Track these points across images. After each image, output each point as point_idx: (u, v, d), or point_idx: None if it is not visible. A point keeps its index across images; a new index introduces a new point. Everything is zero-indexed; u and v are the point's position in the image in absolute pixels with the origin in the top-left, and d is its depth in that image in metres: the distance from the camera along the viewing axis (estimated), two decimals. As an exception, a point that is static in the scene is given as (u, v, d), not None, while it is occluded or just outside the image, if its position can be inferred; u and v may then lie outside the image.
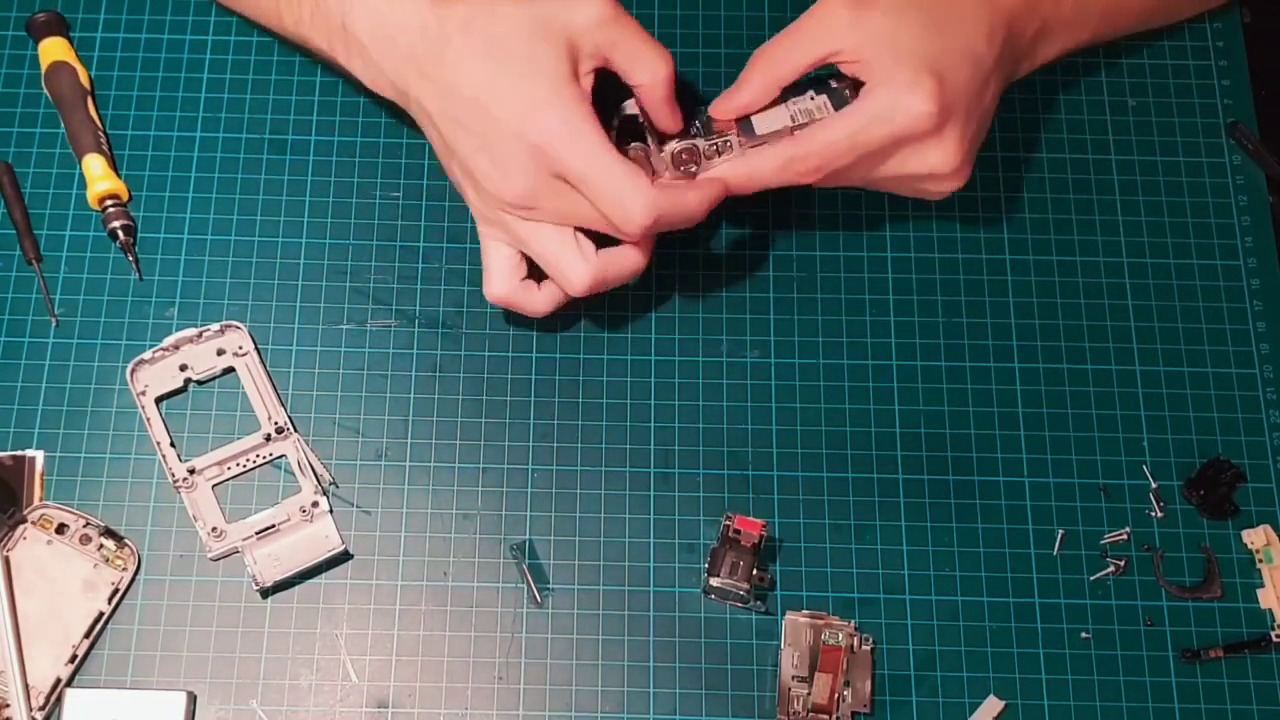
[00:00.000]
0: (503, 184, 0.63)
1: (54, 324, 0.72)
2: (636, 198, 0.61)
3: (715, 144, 0.66)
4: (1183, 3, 0.78)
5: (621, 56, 0.64)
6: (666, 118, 0.66)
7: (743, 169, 0.66)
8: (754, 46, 0.78)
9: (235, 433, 0.70)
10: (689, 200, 0.64)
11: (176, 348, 0.71)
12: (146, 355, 0.71)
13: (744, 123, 0.67)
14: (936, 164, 0.65)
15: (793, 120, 0.66)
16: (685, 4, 0.79)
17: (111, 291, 0.73)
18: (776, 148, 0.65)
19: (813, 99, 0.67)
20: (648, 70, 0.64)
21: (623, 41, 0.63)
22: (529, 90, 0.61)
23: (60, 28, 0.77)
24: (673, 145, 0.67)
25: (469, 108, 0.62)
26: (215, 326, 0.71)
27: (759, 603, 0.67)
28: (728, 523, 0.67)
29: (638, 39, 0.64)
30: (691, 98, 0.71)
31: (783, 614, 0.67)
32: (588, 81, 0.64)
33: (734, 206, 0.72)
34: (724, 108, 0.67)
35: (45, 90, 0.75)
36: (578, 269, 0.64)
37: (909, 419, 0.71)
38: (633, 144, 0.66)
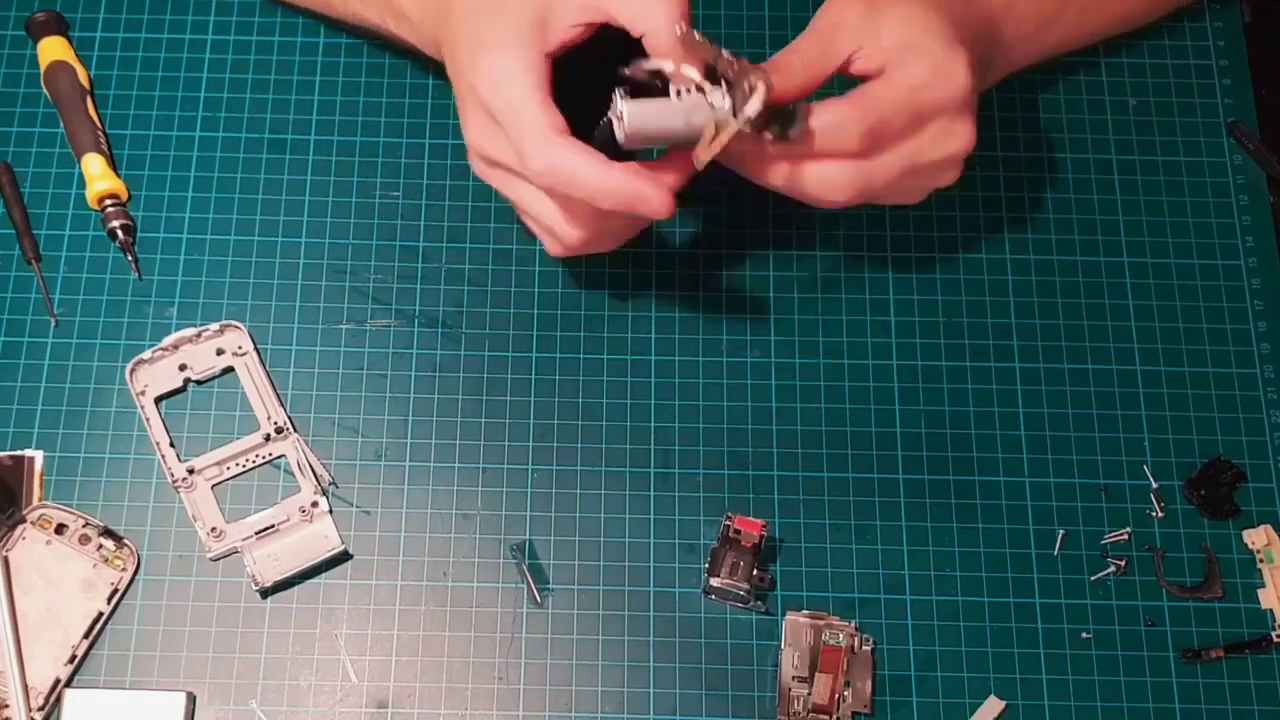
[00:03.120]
0: (467, 130, 0.63)
1: (53, 324, 0.72)
2: (534, 144, 0.58)
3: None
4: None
5: (619, 6, 0.60)
6: (685, 58, 0.59)
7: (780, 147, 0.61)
8: (755, 47, 0.79)
9: (235, 433, 0.70)
10: (593, 174, 0.58)
11: (176, 347, 0.71)
12: (146, 355, 0.70)
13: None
14: (962, 143, 0.63)
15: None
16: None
17: (111, 291, 0.73)
18: (831, 108, 0.60)
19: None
20: (648, 17, 0.59)
21: None
22: (485, 32, 0.60)
23: (60, 27, 0.77)
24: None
25: (457, 49, 0.62)
26: (215, 326, 0.71)
27: (759, 603, 0.67)
28: (728, 523, 0.66)
29: None
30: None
31: (783, 614, 0.67)
32: (571, 32, 0.60)
33: (735, 201, 0.72)
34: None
35: (44, 90, 0.75)
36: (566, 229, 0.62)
37: (909, 419, 0.71)
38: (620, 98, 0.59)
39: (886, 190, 0.64)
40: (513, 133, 0.59)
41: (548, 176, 0.59)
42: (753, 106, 0.57)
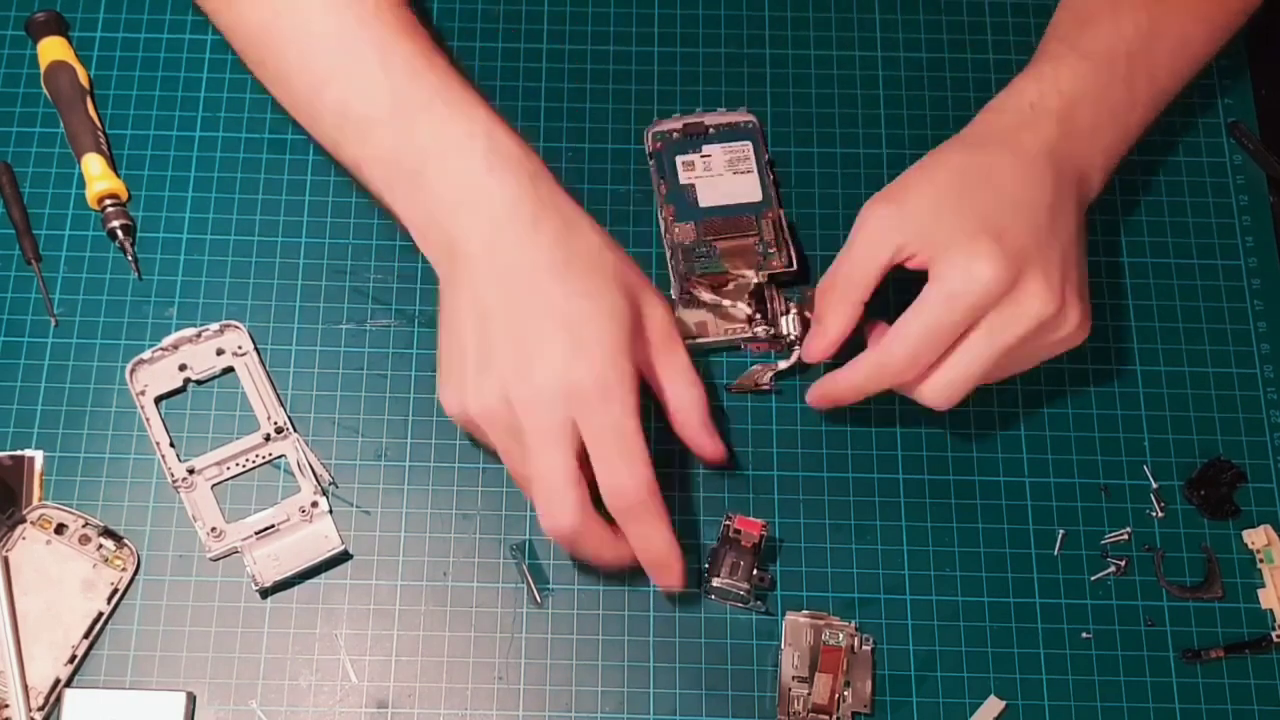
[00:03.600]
0: (515, 372, 0.59)
1: (53, 324, 0.72)
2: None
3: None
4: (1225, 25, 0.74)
5: (667, 377, 0.63)
6: (703, 445, 0.65)
7: (827, 389, 0.67)
8: (754, 47, 0.78)
9: (235, 433, 0.70)
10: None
11: (176, 347, 0.71)
12: (146, 355, 0.70)
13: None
14: (1038, 313, 0.62)
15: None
16: (685, 4, 0.80)
17: (111, 291, 0.73)
18: (861, 361, 0.65)
19: (727, 152, 0.73)
20: (685, 399, 0.63)
21: (673, 362, 0.63)
22: (596, 320, 0.59)
23: (59, 27, 0.77)
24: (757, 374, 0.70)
25: (521, 290, 0.59)
26: (215, 326, 0.71)
27: (759, 603, 0.67)
28: (728, 523, 0.66)
29: (684, 365, 0.63)
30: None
31: (783, 614, 0.67)
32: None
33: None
34: (817, 349, 0.67)
35: (44, 90, 0.75)
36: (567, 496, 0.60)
37: (909, 419, 0.71)
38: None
39: (994, 377, 0.66)
40: (614, 454, 0.59)
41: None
42: (783, 364, 0.70)
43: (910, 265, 0.64)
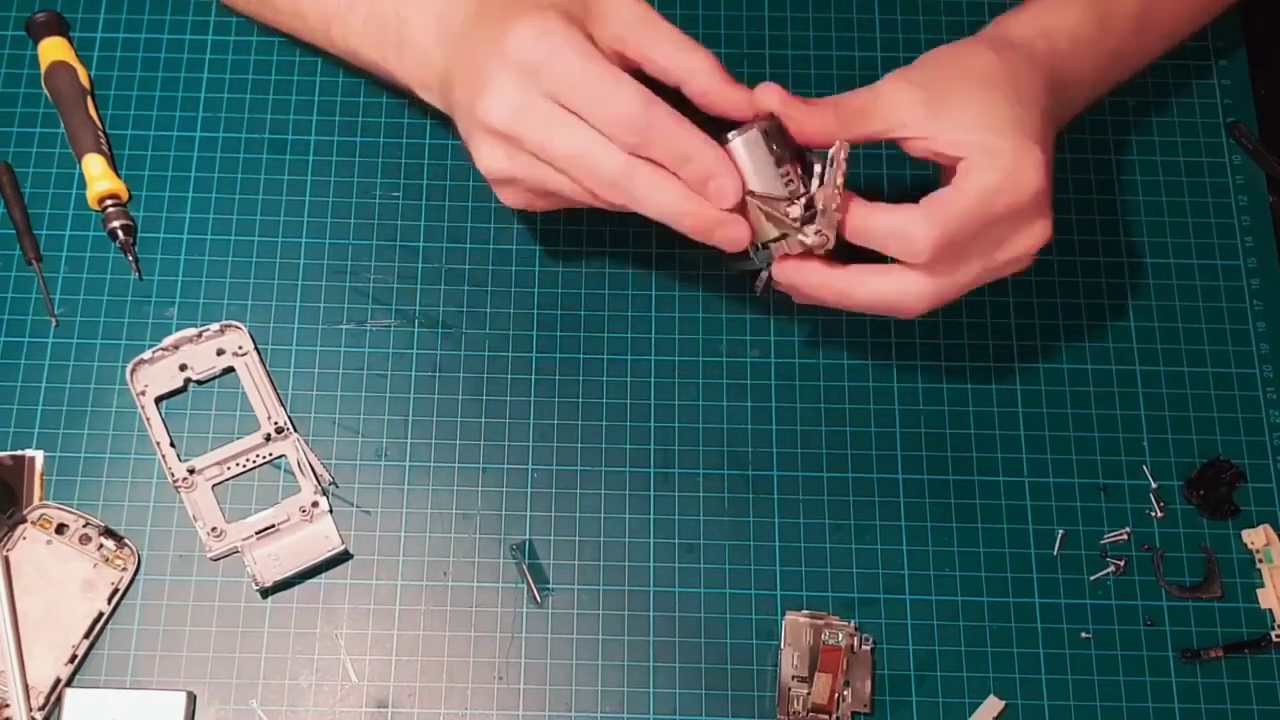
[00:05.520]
0: (486, 106, 0.58)
1: (54, 324, 0.72)
2: (631, 92, 0.56)
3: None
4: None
5: (656, 52, 0.60)
6: (733, 102, 0.60)
7: (859, 221, 0.60)
8: (753, 47, 0.78)
9: (235, 433, 0.70)
10: (683, 130, 0.57)
11: (176, 347, 0.71)
12: (146, 355, 0.71)
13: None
14: (1036, 241, 0.62)
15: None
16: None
17: (111, 291, 0.73)
18: (898, 214, 0.59)
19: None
20: (686, 65, 0.60)
21: (656, 39, 0.60)
22: (525, 19, 0.58)
23: (60, 28, 0.77)
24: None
25: (467, 20, 0.61)
26: (215, 326, 0.71)
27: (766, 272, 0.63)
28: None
29: (673, 36, 0.60)
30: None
31: (783, 614, 0.67)
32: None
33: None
34: (789, 114, 0.61)
35: (45, 90, 0.75)
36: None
37: (909, 419, 0.71)
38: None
39: (961, 294, 0.62)
40: (592, 81, 0.57)
41: (642, 120, 0.57)
42: (811, 238, 0.59)
43: (920, 151, 0.61)
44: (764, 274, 0.63)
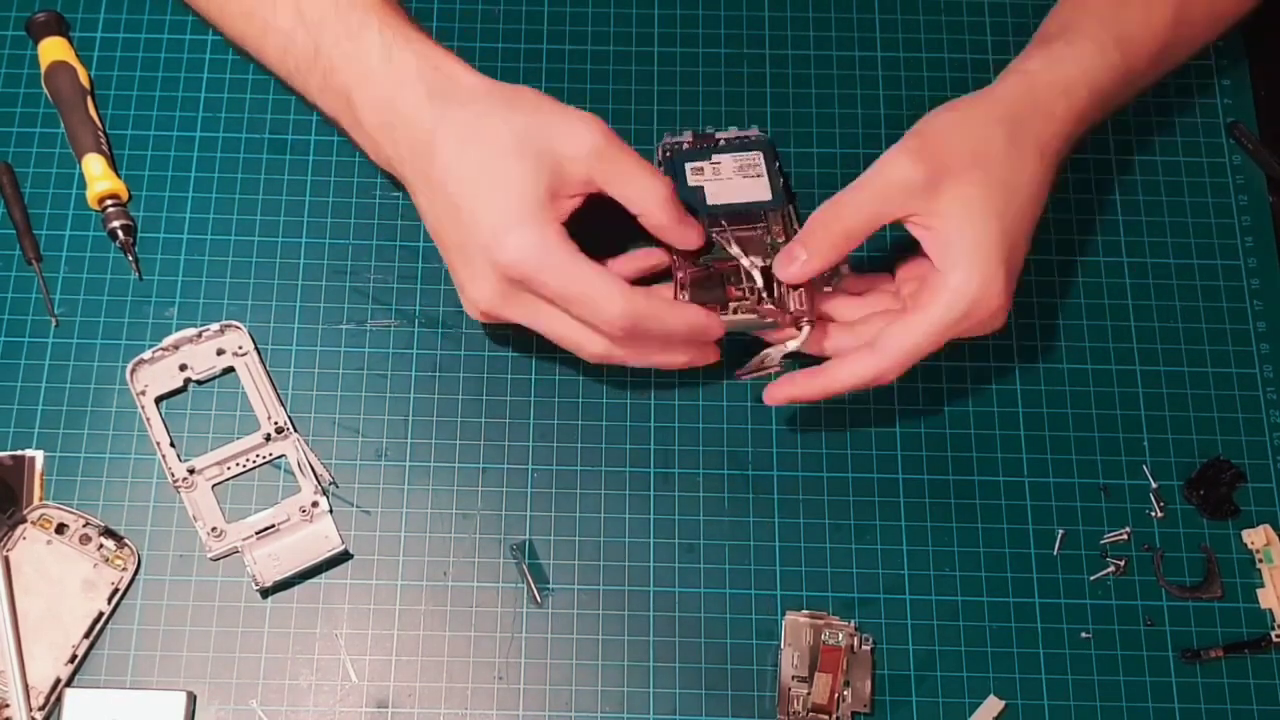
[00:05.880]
0: (474, 292, 0.64)
1: (54, 324, 0.72)
2: (613, 298, 0.61)
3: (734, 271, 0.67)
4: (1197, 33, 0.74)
5: (615, 188, 0.63)
6: (680, 237, 0.65)
7: (818, 383, 0.66)
8: (753, 47, 0.79)
9: (235, 433, 0.70)
10: (668, 315, 0.63)
11: (176, 347, 0.71)
12: (146, 355, 0.71)
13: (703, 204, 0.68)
14: (994, 329, 0.65)
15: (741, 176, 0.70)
16: (685, 4, 0.80)
17: (111, 291, 0.73)
18: (860, 360, 0.65)
19: (737, 160, 0.71)
20: (640, 200, 0.63)
21: (614, 175, 0.63)
22: (501, 209, 0.61)
23: (60, 28, 0.77)
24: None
25: (451, 212, 0.63)
26: (215, 326, 0.71)
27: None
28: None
29: (629, 170, 0.63)
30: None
31: (783, 614, 0.67)
32: (573, 203, 0.63)
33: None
34: (792, 272, 0.65)
35: (45, 90, 0.75)
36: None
37: (909, 419, 0.71)
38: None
39: None
40: (578, 293, 0.61)
41: (627, 321, 0.61)
42: (793, 344, 0.66)
43: (911, 226, 0.64)
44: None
